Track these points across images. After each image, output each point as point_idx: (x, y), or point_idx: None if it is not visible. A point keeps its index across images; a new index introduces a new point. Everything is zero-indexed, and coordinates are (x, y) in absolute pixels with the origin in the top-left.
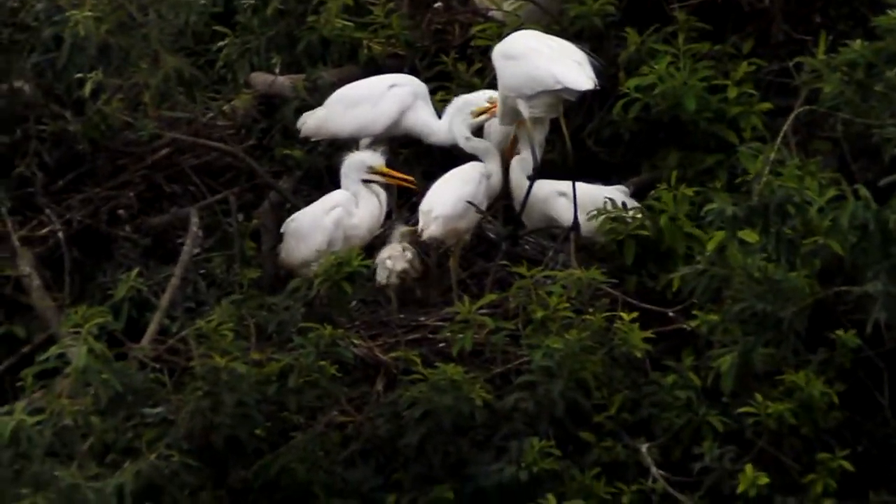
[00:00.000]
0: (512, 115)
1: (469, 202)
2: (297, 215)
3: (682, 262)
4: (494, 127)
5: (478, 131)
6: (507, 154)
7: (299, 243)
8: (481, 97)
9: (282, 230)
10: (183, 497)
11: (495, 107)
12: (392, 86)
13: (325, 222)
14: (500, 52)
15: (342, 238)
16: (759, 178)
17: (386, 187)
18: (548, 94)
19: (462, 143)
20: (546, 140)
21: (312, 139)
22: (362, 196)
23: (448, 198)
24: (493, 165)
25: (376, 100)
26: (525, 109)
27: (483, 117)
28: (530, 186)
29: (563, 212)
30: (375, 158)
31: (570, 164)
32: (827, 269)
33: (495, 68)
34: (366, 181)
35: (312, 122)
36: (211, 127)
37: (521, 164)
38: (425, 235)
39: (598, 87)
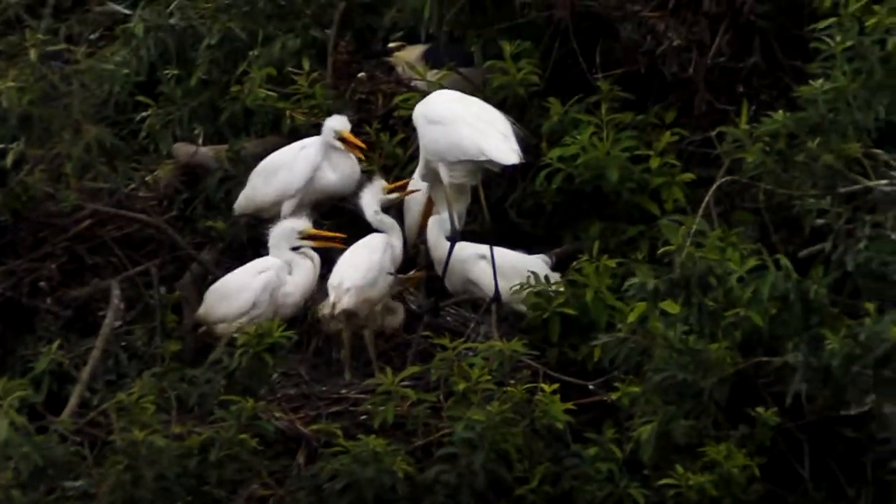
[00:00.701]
0: (432, 175)
1: (389, 273)
2: (223, 275)
3: (605, 332)
4: (414, 199)
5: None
6: (422, 217)
7: (222, 301)
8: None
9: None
10: None
11: (406, 183)
12: (303, 147)
13: (254, 283)
14: (422, 113)
15: (268, 302)
16: (681, 250)
17: (316, 250)
18: (470, 162)
19: (370, 217)
20: (467, 210)
21: (245, 215)
22: (296, 263)
23: (357, 268)
24: (396, 240)
25: (290, 163)
26: (445, 175)
27: (394, 195)
28: (451, 248)
29: (483, 276)
30: (302, 223)
31: (489, 232)
32: (748, 341)
33: (416, 128)
34: (295, 248)
35: (241, 200)
36: (133, 198)
37: (439, 223)
38: (338, 309)
39: (522, 162)
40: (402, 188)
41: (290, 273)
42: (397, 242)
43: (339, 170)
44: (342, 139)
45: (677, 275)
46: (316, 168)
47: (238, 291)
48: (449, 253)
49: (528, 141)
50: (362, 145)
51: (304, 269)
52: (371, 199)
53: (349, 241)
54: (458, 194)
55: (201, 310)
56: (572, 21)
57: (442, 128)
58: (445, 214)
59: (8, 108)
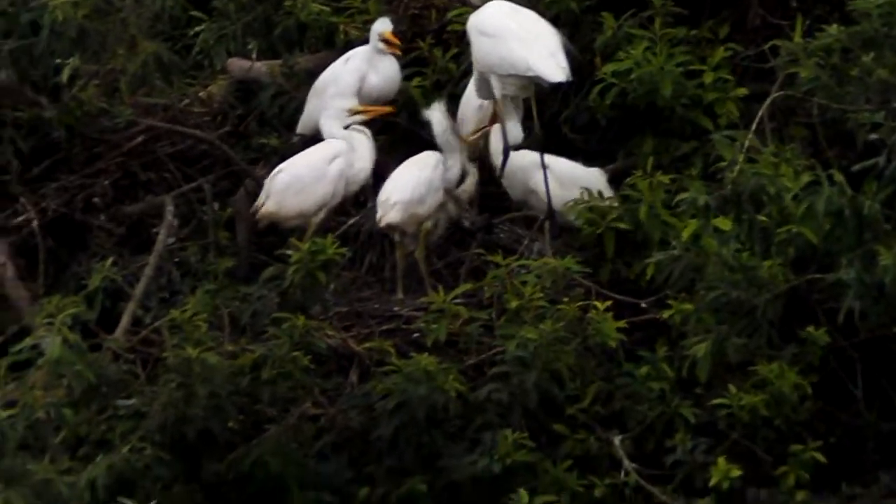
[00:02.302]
0: (486, 88)
1: (447, 191)
2: (287, 166)
3: (658, 249)
4: (470, 107)
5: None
6: (489, 123)
7: (299, 194)
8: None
9: (269, 182)
10: (156, 490)
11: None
12: (347, 60)
13: (330, 172)
14: (475, 25)
15: (345, 187)
16: (733, 165)
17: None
18: (519, 77)
19: (439, 137)
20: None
21: (306, 136)
22: (354, 139)
23: (405, 184)
24: (454, 161)
25: (337, 79)
26: (497, 87)
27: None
28: (505, 159)
29: (543, 184)
30: (349, 101)
31: (540, 147)
32: (801, 258)
33: (470, 39)
34: (348, 127)
35: (301, 121)
36: (187, 114)
37: (501, 133)
38: (384, 223)
39: (570, 81)
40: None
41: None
42: (455, 162)
43: (382, 73)
44: (385, 41)
45: (728, 191)
46: (363, 78)
47: (315, 183)
48: (503, 163)
49: (579, 58)
50: (397, 42)
51: (363, 143)
52: (441, 118)
53: (402, 156)
54: (510, 107)
55: (270, 206)
56: None
57: (493, 41)
58: (507, 124)
59: (63, 23)
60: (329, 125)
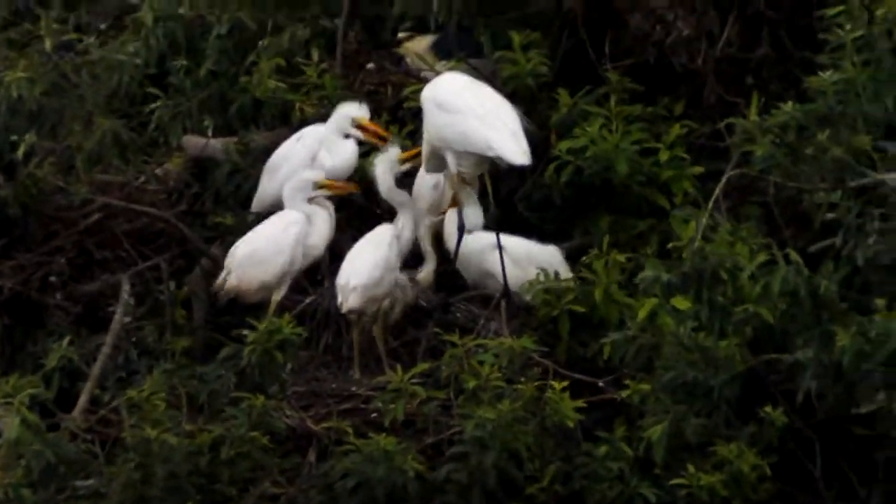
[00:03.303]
0: (437, 162)
1: (410, 279)
2: (245, 239)
3: (615, 329)
4: (425, 185)
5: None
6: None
7: (258, 266)
8: (341, 113)
9: (229, 256)
10: None
11: (419, 152)
12: (299, 138)
13: (286, 240)
14: (431, 98)
15: (301, 255)
16: (692, 244)
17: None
18: (477, 155)
19: (384, 193)
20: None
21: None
22: (314, 213)
23: (361, 267)
24: (407, 220)
25: (289, 157)
26: (452, 163)
27: (407, 165)
28: (459, 238)
29: (498, 265)
30: (316, 173)
31: (496, 225)
32: (758, 338)
33: (424, 111)
34: (311, 200)
35: (255, 198)
36: (142, 191)
37: (456, 217)
38: (345, 309)
39: (530, 164)
40: (417, 157)
41: (310, 224)
42: (407, 222)
43: (339, 155)
44: (360, 126)
45: (689, 269)
46: (314, 157)
47: (274, 254)
48: (457, 246)
49: (536, 135)
50: (382, 132)
51: (323, 218)
52: (385, 171)
53: (358, 233)
54: (468, 190)
55: (233, 281)
56: (582, 11)
57: (450, 116)
58: (466, 209)
59: (19, 100)
60: (292, 196)
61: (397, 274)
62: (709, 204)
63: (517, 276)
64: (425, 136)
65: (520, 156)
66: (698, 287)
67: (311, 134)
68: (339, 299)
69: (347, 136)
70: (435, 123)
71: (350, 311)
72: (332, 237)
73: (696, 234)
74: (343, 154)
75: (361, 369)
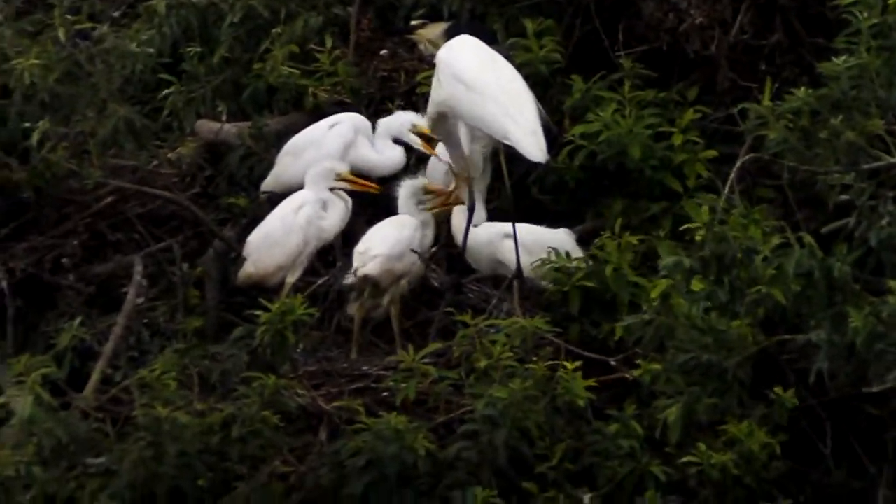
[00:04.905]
0: (443, 125)
1: (413, 251)
2: (260, 225)
3: (626, 310)
4: (437, 171)
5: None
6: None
7: (272, 249)
8: (402, 118)
9: (245, 245)
10: None
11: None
12: (333, 125)
13: (298, 220)
14: (449, 65)
15: (315, 236)
16: (710, 227)
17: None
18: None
19: (402, 212)
20: (489, 187)
21: (273, 193)
22: (331, 202)
23: (385, 238)
24: (428, 230)
25: (319, 142)
26: (464, 135)
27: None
28: (469, 219)
29: (509, 253)
30: (341, 164)
31: (511, 208)
32: (770, 318)
33: (437, 72)
34: (332, 189)
35: (269, 178)
36: (156, 175)
37: (464, 211)
38: (360, 273)
39: (547, 162)
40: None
41: (325, 209)
42: (429, 233)
43: (387, 156)
44: (420, 134)
45: (708, 253)
46: (349, 146)
47: (286, 234)
48: (467, 225)
49: (549, 123)
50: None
51: (339, 209)
52: (407, 195)
53: (373, 219)
54: (482, 175)
55: (249, 268)
56: None
57: (468, 93)
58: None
59: (33, 87)
60: (313, 181)
61: (415, 259)
62: (724, 188)
63: (528, 261)
64: (434, 97)
65: (537, 153)
66: (719, 269)
67: (346, 121)
68: (357, 264)
69: (396, 139)
70: (451, 93)
71: (364, 279)
72: (344, 226)
73: (713, 216)
74: (392, 156)
75: (359, 350)
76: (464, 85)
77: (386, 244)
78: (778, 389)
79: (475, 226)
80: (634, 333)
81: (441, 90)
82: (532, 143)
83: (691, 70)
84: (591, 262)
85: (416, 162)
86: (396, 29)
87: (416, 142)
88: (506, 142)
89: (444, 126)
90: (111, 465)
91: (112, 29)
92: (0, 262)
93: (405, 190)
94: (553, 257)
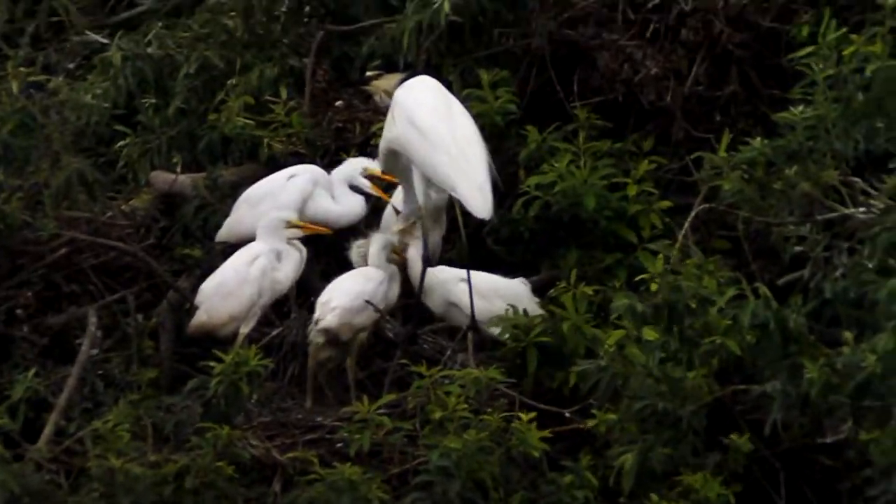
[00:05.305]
0: (394, 162)
1: (367, 301)
2: (214, 274)
3: (582, 360)
4: (394, 217)
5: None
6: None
7: (226, 299)
8: (354, 164)
9: (198, 294)
10: None
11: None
12: (290, 177)
13: (252, 272)
14: (404, 108)
15: (270, 288)
16: (663, 276)
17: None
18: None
19: (372, 265)
20: (443, 238)
21: (228, 244)
22: (284, 253)
23: (347, 290)
24: (395, 284)
25: (277, 193)
26: (417, 178)
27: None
28: (423, 271)
29: (464, 297)
30: (289, 213)
31: (466, 259)
32: (725, 369)
33: (392, 111)
34: (287, 239)
35: (224, 228)
36: (110, 226)
37: (419, 260)
38: (320, 326)
39: (492, 220)
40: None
41: (279, 261)
42: (395, 286)
43: (347, 205)
44: (371, 176)
45: (660, 300)
46: (307, 198)
47: (240, 285)
48: (422, 274)
49: (497, 180)
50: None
51: (293, 259)
52: (378, 251)
53: (327, 268)
54: (435, 224)
55: (202, 316)
56: (549, 50)
57: (420, 139)
58: (428, 242)
59: None
60: (264, 233)
61: (374, 316)
62: (679, 236)
63: (483, 308)
64: (387, 133)
65: (482, 209)
66: (670, 318)
67: (304, 174)
68: (317, 316)
69: (352, 186)
70: (404, 134)
71: (323, 331)
72: (299, 276)
73: (666, 266)
74: (352, 204)
75: (315, 399)
76: (417, 130)
77: (347, 296)
78: (734, 436)
79: (432, 265)
80: (589, 380)
81: (394, 128)
82: (478, 199)
83: (646, 121)
84: (547, 317)
85: (371, 212)
86: (352, 80)
87: (366, 185)
88: (453, 194)
89: (396, 163)
90: None
91: (67, 81)
92: None
93: (376, 242)
94: (511, 314)
